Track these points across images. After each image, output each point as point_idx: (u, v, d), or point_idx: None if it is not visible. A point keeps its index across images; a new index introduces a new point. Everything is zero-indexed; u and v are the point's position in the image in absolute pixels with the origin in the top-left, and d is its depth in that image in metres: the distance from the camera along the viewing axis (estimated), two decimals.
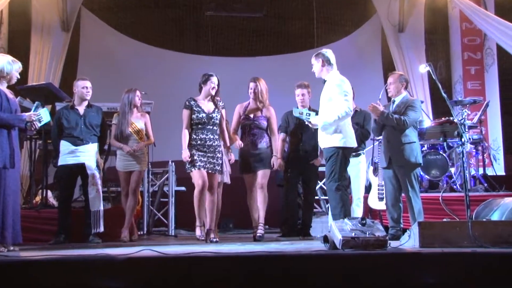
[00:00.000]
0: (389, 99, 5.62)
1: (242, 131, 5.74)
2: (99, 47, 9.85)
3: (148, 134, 5.93)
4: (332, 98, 4.83)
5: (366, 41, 10.52)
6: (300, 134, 5.87)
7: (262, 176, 5.56)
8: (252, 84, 5.66)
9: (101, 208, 5.46)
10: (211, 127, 5.24)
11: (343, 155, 4.83)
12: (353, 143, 4.89)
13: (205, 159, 5.16)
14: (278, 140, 5.74)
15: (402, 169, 5.15)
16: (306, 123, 5.12)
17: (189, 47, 10.59)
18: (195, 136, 5.21)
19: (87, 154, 5.48)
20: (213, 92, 5.25)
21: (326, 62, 4.93)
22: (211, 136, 5.23)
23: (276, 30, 10.77)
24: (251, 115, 5.66)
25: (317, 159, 5.81)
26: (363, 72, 9.90)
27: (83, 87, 5.55)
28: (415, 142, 5.20)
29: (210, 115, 5.24)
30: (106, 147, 5.98)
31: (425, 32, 9.55)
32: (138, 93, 5.85)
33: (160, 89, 9.26)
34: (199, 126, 5.21)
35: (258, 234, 5.51)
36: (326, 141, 4.87)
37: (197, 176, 5.13)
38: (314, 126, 4.97)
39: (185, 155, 5.15)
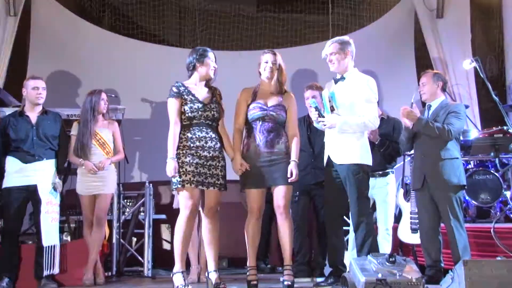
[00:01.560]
0: (423, 104, 5.61)
1: (248, 128, 5.05)
2: (57, 37, 9.80)
3: (118, 148, 5.92)
4: (356, 102, 4.87)
5: (395, 30, 10.50)
6: (311, 147, 5.85)
7: (284, 194, 4.85)
8: (268, 56, 4.97)
9: (58, 242, 5.42)
10: (210, 122, 4.81)
11: (367, 174, 4.92)
12: (371, 161, 4.99)
13: (205, 169, 4.69)
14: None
15: (441, 193, 5.11)
16: (317, 121, 4.93)
17: (170, 38, 10.60)
18: (190, 135, 4.73)
19: (41, 174, 5.48)
20: (212, 74, 4.88)
21: (351, 54, 4.98)
22: (213, 135, 4.80)
23: (280, 16, 10.78)
24: (264, 103, 4.97)
25: None
26: (391, 69, 9.88)
27: (34, 87, 5.54)
28: (457, 158, 5.17)
29: (208, 106, 4.81)
30: (66, 164, 5.96)
31: (471, 17, 9.54)
32: (104, 95, 5.85)
33: (134, 91, 9.21)
34: (194, 121, 4.76)
35: (287, 283, 4.82)
36: (345, 155, 4.86)
37: (187, 196, 4.66)
38: (329, 125, 4.84)
39: (172, 166, 4.62)
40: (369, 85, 4.91)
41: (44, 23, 9.80)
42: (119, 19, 10.58)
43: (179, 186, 4.66)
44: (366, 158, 4.90)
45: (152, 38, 10.54)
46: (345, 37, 5.04)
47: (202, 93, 4.87)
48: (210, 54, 4.90)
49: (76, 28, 10.07)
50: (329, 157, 4.99)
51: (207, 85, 4.94)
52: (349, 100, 4.88)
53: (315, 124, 5.07)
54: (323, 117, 4.85)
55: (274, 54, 4.98)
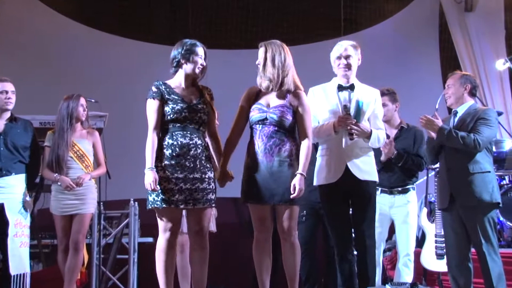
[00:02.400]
0: (450, 110, 5.57)
1: (251, 134, 4.86)
2: (28, 32, 9.83)
3: (99, 160, 5.91)
4: (370, 116, 4.94)
5: (416, 26, 10.54)
6: None
7: (287, 214, 4.70)
8: (258, 53, 4.83)
9: (28, 270, 5.38)
10: (196, 126, 4.66)
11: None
12: None
13: (189, 184, 4.56)
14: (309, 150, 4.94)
15: (471, 212, 5.07)
16: (350, 130, 4.79)
17: (159, 35, 10.62)
18: (171, 141, 4.59)
19: (9, 191, 5.45)
20: (197, 72, 4.73)
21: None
22: (198, 141, 4.63)
23: (284, 11, 10.79)
24: (266, 104, 4.77)
25: None
26: (411, 70, 9.91)
27: (2, 91, 5.53)
28: (489, 171, 5.13)
29: (194, 107, 4.66)
30: (38, 179, 5.94)
31: (505, 10, 9.53)
32: (83, 101, 5.83)
33: (117, 95, 9.24)
34: (177, 125, 4.62)
35: None
36: (367, 170, 4.88)
37: (166, 218, 4.57)
38: (363, 135, 4.80)
39: (151, 178, 4.47)
40: (378, 99, 5.04)
41: (12, 17, 9.78)
42: (100, 12, 10.59)
43: (156, 206, 4.54)
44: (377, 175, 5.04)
45: (139, 34, 10.54)
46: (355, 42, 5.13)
47: (187, 93, 4.73)
48: (199, 49, 4.74)
49: (51, 23, 10.06)
50: (346, 171, 4.87)
51: (195, 84, 4.80)
52: (365, 113, 4.93)
53: (329, 132, 4.94)
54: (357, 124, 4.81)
55: (261, 46, 4.80)
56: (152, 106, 4.62)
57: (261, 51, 4.77)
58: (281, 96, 4.75)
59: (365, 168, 4.86)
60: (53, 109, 6.01)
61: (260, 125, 4.71)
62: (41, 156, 5.84)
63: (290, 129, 4.73)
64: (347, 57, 4.92)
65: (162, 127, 4.64)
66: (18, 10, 9.79)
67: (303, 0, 10.65)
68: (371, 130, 4.82)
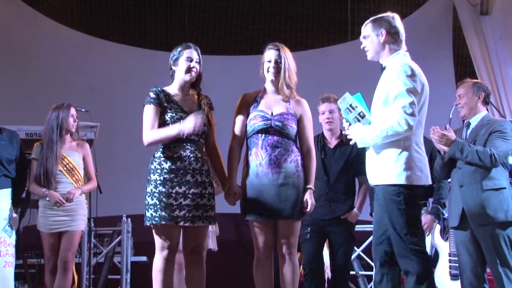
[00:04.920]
0: (463, 120, 5.55)
1: (248, 144, 4.84)
2: (12, 37, 9.84)
3: (89, 174, 5.90)
4: (387, 98, 4.35)
5: (428, 30, 10.56)
6: (326, 174, 5.80)
7: (292, 229, 4.72)
8: (272, 53, 4.79)
9: None
10: (195, 137, 4.61)
11: (412, 197, 4.32)
12: (427, 179, 4.38)
13: (188, 200, 4.51)
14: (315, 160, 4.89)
15: (485, 230, 5.05)
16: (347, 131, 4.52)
17: (154, 40, 10.63)
18: (170, 153, 4.55)
19: None
20: (187, 77, 4.67)
21: (393, 35, 4.43)
22: (198, 154, 4.62)
23: (287, 15, 10.80)
24: (268, 111, 4.77)
25: (350, 213, 5.73)
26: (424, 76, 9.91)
27: None
28: (504, 188, 5.11)
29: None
30: (24, 194, 5.95)
31: None
32: (73, 111, 5.82)
33: (108, 104, 9.25)
34: None
35: None
36: (380, 173, 4.38)
37: (165, 235, 4.52)
38: (354, 139, 4.43)
39: (192, 122, 4.44)
40: (398, 73, 4.30)
41: None
42: (91, 16, 10.60)
43: (154, 222, 4.47)
44: (410, 176, 4.25)
45: (132, 39, 10.55)
46: (387, 14, 4.51)
47: (186, 101, 4.70)
48: (187, 52, 4.69)
49: (38, 27, 10.05)
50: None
51: (194, 92, 4.78)
52: (380, 99, 4.41)
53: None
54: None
55: (278, 49, 4.77)
56: (151, 111, 4.57)
57: (281, 54, 4.75)
58: (284, 103, 4.78)
59: (378, 170, 4.40)
60: (40, 119, 5.99)
61: (263, 134, 4.70)
62: (28, 170, 5.84)
63: (294, 138, 4.74)
64: (363, 38, 4.55)
65: None
66: (2, 13, 9.81)
67: (306, 4, 10.66)
68: (357, 131, 4.38)
